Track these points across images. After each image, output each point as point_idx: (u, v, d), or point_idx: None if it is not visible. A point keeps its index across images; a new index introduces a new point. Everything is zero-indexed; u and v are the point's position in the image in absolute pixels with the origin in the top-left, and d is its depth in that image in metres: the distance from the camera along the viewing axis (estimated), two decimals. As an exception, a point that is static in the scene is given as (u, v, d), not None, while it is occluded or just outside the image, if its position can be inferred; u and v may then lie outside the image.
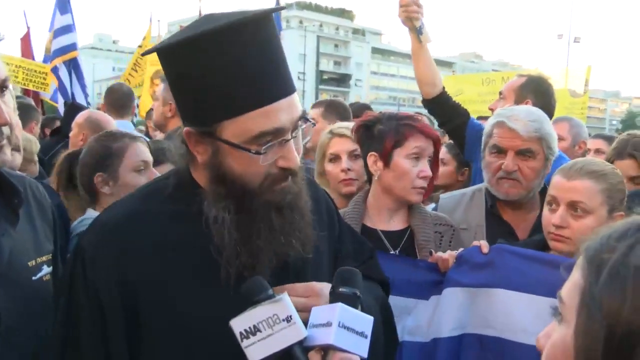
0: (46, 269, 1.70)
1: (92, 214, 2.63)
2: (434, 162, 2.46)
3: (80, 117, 4.04)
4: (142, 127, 7.95)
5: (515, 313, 2.10)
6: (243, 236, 1.42)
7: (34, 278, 1.66)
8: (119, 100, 5.33)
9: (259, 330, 1.26)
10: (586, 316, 0.89)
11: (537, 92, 3.45)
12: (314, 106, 4.39)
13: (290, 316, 1.27)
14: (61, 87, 8.00)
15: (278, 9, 1.44)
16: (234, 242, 1.41)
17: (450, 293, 2.20)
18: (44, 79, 8.36)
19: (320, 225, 1.61)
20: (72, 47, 8.06)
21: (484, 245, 2.22)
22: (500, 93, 3.61)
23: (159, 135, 5.77)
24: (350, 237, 1.84)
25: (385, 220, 2.48)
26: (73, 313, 1.44)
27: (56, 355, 1.45)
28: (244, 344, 1.27)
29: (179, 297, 1.42)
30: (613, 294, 0.87)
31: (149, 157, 2.70)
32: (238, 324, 1.28)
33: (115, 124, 4.16)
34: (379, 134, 2.43)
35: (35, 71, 8.54)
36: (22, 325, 1.59)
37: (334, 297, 1.36)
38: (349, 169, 2.89)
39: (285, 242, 1.46)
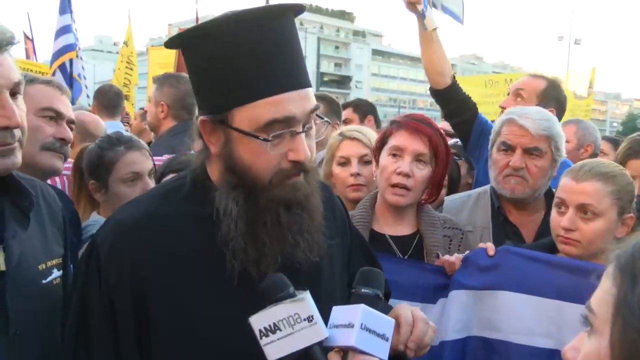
0: (56, 273, 1.69)
1: (96, 218, 2.61)
2: (437, 164, 2.37)
3: None
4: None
5: (521, 315, 2.09)
6: (249, 229, 1.41)
7: (44, 281, 1.65)
8: (110, 101, 5.44)
9: (279, 329, 1.25)
10: (622, 326, 0.86)
11: (559, 100, 3.46)
12: None
13: (312, 316, 1.26)
14: None
15: (296, 5, 1.44)
16: (240, 234, 1.40)
17: (455, 295, 2.19)
18: None
19: (333, 232, 1.60)
20: (69, 47, 8.01)
21: (490, 248, 2.21)
22: (518, 93, 3.46)
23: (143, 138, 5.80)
24: (359, 245, 1.83)
25: (393, 225, 2.42)
26: (86, 310, 1.44)
27: (68, 351, 1.45)
28: (262, 341, 1.25)
29: (191, 298, 1.42)
30: None
31: (143, 168, 2.61)
32: (258, 322, 1.26)
33: (104, 124, 4.21)
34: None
35: (32, 71, 8.49)
36: (31, 328, 1.58)
37: (356, 298, 1.34)
38: (358, 174, 2.79)
39: (292, 241, 1.45)
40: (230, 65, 1.35)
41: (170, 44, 1.50)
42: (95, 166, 2.60)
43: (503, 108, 3.39)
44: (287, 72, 1.37)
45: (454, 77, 3.38)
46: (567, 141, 4.55)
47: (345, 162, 2.85)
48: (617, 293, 0.89)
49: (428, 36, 3.25)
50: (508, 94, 3.63)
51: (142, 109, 8.86)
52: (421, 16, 3.19)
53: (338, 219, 1.72)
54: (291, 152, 1.39)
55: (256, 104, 1.35)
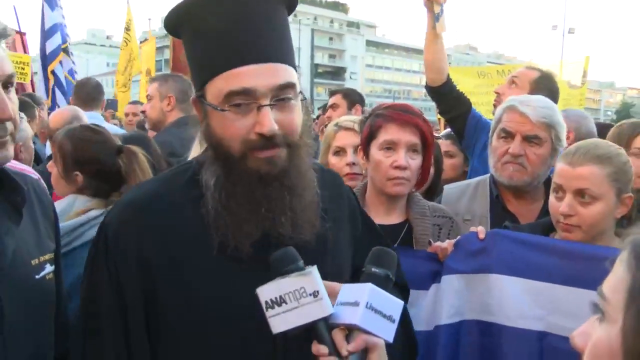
0: (49, 268, 1.68)
1: (96, 213, 2.48)
2: (427, 151, 2.38)
3: None
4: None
5: (513, 298, 2.08)
6: (226, 201, 1.44)
7: (37, 277, 1.64)
8: (89, 94, 5.61)
9: (285, 302, 1.24)
10: (636, 314, 0.84)
11: (551, 90, 3.49)
12: None
13: (317, 291, 1.25)
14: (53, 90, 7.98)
15: None
16: (218, 205, 1.43)
17: (448, 280, 2.18)
18: (23, 68, 8.24)
19: (337, 219, 1.60)
20: (60, 49, 7.98)
21: (481, 231, 2.20)
22: (513, 81, 3.58)
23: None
24: (368, 239, 1.79)
25: (383, 214, 2.43)
26: (94, 289, 1.47)
27: (79, 330, 1.49)
28: (268, 313, 1.26)
29: (194, 274, 1.44)
30: None
31: None
32: (264, 293, 1.26)
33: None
34: (362, 127, 2.44)
35: (14, 62, 8.34)
36: (25, 323, 1.57)
37: (365, 277, 1.32)
38: (353, 163, 2.84)
39: (269, 215, 1.43)
40: (202, 42, 1.43)
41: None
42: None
43: (497, 93, 3.58)
44: (248, 47, 1.39)
45: (449, 77, 3.55)
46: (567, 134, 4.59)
47: (340, 152, 2.93)
48: (631, 280, 0.86)
49: (435, 37, 3.41)
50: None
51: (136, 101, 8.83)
52: (435, 17, 3.34)
53: (346, 209, 1.70)
54: (257, 124, 1.39)
55: (220, 77, 1.40)
